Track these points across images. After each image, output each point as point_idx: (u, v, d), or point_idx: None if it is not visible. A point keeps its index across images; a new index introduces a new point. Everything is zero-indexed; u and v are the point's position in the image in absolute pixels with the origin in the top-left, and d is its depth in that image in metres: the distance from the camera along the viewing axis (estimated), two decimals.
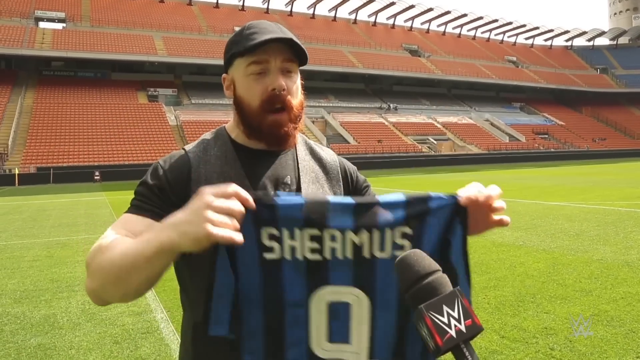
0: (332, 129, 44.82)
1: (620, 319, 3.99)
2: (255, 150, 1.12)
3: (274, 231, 0.91)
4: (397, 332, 0.97)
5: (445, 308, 0.69)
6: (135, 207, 1.05)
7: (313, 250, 0.92)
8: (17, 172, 28.08)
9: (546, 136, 54.58)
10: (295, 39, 1.06)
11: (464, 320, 0.69)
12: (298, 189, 1.12)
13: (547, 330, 3.80)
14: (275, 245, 0.92)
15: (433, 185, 20.07)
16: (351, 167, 1.26)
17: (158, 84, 46.86)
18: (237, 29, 1.17)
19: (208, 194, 0.81)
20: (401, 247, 0.93)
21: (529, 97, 66.23)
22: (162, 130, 38.11)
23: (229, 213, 0.80)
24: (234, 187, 0.84)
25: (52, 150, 31.95)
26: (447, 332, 0.68)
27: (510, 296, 4.71)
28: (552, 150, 49.74)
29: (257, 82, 1.06)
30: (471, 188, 0.95)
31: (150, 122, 38.71)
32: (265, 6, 63.51)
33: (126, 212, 1.06)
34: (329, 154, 1.24)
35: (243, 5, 62.55)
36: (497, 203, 0.95)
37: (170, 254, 0.83)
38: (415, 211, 0.94)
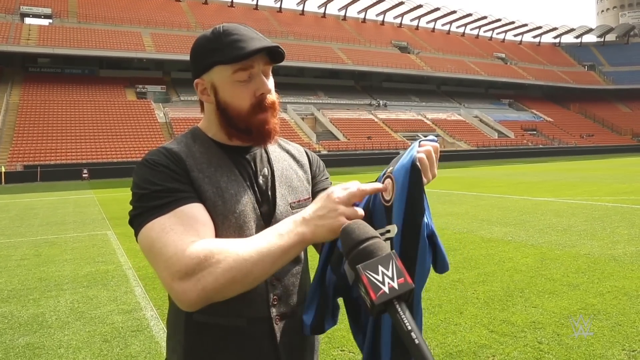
0: (322, 125, 44.78)
1: (606, 312, 4.05)
2: (232, 147, 1.17)
3: None
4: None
5: (380, 268, 0.77)
6: (170, 204, 1.00)
7: None
8: (3, 170, 27.72)
9: (535, 132, 55.02)
10: (280, 46, 1.12)
11: (397, 279, 0.76)
12: (272, 178, 1.19)
13: (536, 324, 3.84)
14: None
15: None
16: (313, 157, 1.35)
17: (146, 80, 46.48)
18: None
19: (337, 192, 0.97)
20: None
21: (518, 93, 66.70)
22: (151, 127, 37.82)
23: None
24: (356, 186, 0.99)
25: (39, 148, 31.56)
26: (381, 289, 0.75)
27: (499, 291, 4.76)
28: (541, 146, 50.15)
29: (244, 87, 1.10)
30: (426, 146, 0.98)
31: (138, 119, 38.39)
32: (254, 2, 63.24)
33: (159, 215, 0.98)
34: (294, 146, 1.33)
35: (232, 2, 62.17)
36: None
37: (304, 245, 0.97)
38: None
